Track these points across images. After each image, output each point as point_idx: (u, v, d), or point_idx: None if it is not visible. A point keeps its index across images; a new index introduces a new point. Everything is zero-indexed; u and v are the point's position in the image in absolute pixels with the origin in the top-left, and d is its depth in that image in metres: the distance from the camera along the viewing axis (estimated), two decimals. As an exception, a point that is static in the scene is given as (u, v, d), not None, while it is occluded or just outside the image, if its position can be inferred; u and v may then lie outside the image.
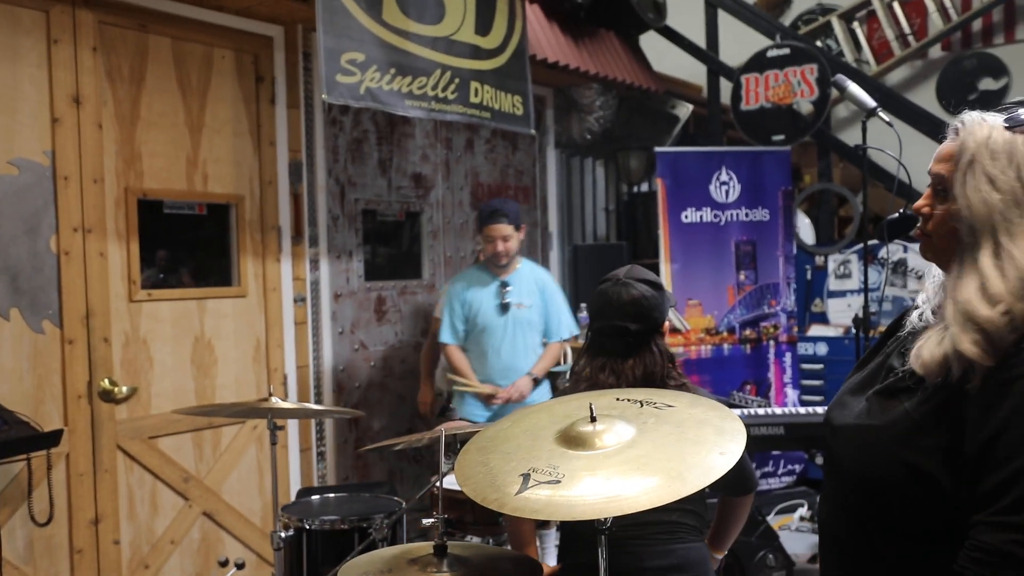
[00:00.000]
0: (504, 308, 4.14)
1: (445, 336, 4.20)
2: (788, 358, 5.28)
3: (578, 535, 2.15)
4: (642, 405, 1.86)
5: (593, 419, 1.75)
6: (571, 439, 1.75)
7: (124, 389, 3.60)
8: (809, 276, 5.78)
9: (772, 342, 5.21)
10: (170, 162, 3.84)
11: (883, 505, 1.36)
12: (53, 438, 3.17)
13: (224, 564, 3.85)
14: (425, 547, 1.78)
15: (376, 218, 4.94)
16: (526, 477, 1.68)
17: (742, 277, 5.18)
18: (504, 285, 4.17)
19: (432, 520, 1.77)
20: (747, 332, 5.14)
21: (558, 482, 1.63)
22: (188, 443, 3.89)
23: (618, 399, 1.91)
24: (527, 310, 4.19)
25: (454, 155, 5.36)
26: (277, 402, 2.68)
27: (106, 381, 3.56)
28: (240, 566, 3.87)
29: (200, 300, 3.96)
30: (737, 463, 1.59)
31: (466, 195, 5.44)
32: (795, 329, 5.37)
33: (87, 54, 3.52)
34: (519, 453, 1.77)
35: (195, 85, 3.93)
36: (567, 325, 4.33)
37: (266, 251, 4.21)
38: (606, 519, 1.87)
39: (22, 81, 3.35)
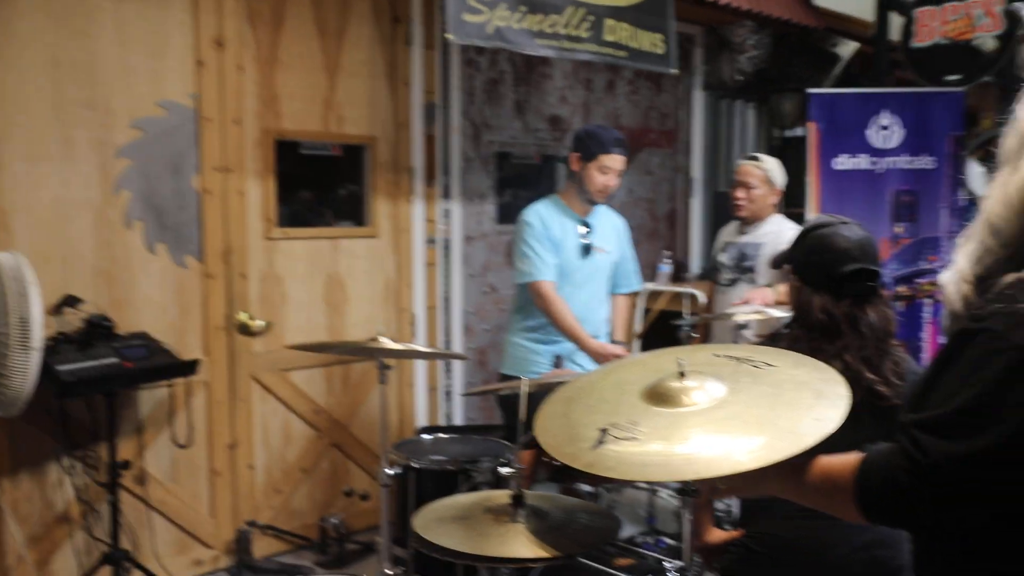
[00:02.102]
0: (586, 250, 3.58)
1: (535, 273, 3.46)
2: (948, 319, 4.85)
3: (766, 504, 2.05)
4: (739, 362, 1.72)
5: (682, 375, 1.64)
6: (657, 395, 1.65)
7: (259, 323, 3.76)
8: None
9: (929, 300, 4.80)
10: (307, 104, 3.92)
11: None
12: (190, 366, 3.36)
13: (349, 494, 4.02)
14: (503, 496, 1.74)
15: (511, 161, 4.89)
16: (603, 432, 1.59)
17: (899, 230, 4.78)
18: (585, 225, 3.61)
19: (511, 470, 1.73)
20: (901, 289, 4.76)
21: (635, 439, 1.54)
22: (319, 377, 4.04)
23: (715, 355, 1.78)
24: (605, 256, 3.66)
25: (594, 96, 5.21)
26: (385, 342, 2.71)
27: (243, 315, 3.73)
28: (364, 497, 4.02)
29: (333, 239, 4.07)
30: None
31: (604, 139, 5.28)
32: (958, 288, 4.91)
33: (228, -3, 3.63)
34: (602, 407, 1.69)
35: (332, 27, 3.98)
36: (638, 277, 3.91)
37: (399, 192, 4.26)
38: (694, 482, 1.77)
39: (169, 26, 3.49)
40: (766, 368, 1.72)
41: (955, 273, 1.13)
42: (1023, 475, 1.01)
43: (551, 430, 1.69)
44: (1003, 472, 1.02)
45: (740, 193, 3.84)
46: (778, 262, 2.34)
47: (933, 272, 4.78)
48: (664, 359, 1.83)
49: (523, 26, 3.79)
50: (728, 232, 4.05)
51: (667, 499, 4.11)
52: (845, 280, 1.99)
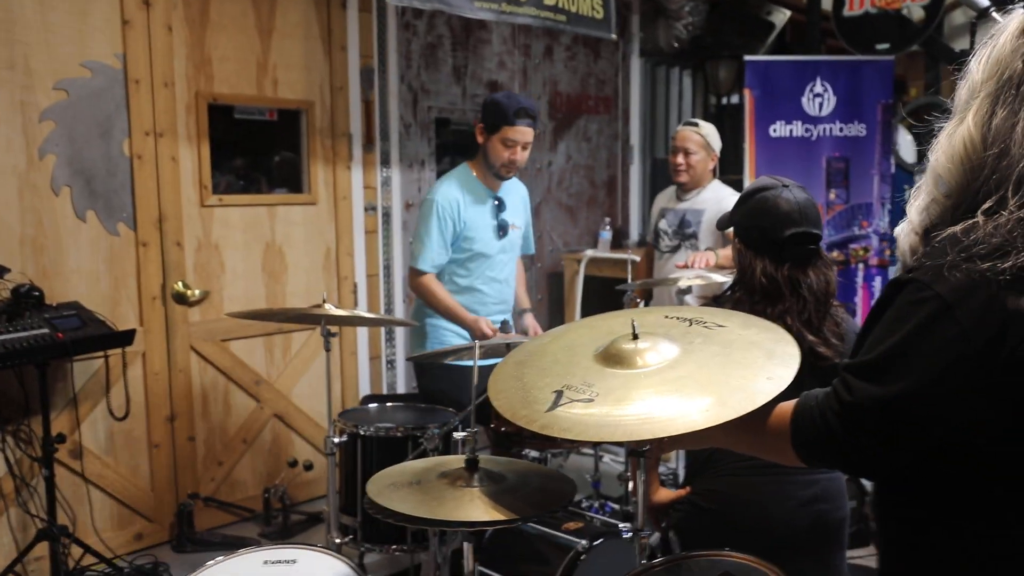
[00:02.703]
0: (502, 231, 3.33)
1: (426, 263, 3.21)
2: (878, 282, 5.01)
3: (713, 461, 2.08)
4: (691, 324, 1.75)
5: (635, 336, 1.66)
6: (611, 357, 1.66)
7: (197, 292, 3.68)
8: (908, 196, 5.41)
9: (861, 265, 4.94)
10: (240, 66, 3.81)
11: None
12: (126, 337, 3.26)
13: (293, 465, 3.98)
14: (457, 460, 1.74)
15: (450, 127, 4.84)
16: (559, 394, 1.60)
17: (832, 196, 4.90)
18: (498, 202, 3.35)
19: (465, 434, 1.73)
20: (834, 254, 4.88)
21: (591, 400, 1.55)
22: (259, 347, 3.97)
23: (666, 316, 1.80)
24: (517, 232, 3.43)
25: (532, 62, 5.18)
26: (330, 308, 2.67)
27: (179, 284, 3.64)
28: (308, 467, 3.99)
29: (270, 207, 3.98)
30: None
31: (544, 105, 5.27)
32: (887, 252, 5.07)
33: (155, -46, 3.49)
34: (555, 369, 1.69)
35: (265, -13, 3.86)
36: (533, 242, 3.66)
37: (337, 158, 4.19)
38: (645, 441, 1.79)
39: (92, -18, 3.34)
40: (717, 329, 1.75)
41: (906, 225, 1.16)
42: (944, 421, 1.05)
43: (504, 393, 1.69)
44: (924, 418, 1.06)
45: (679, 159, 3.84)
46: (723, 224, 2.36)
47: (866, 238, 4.92)
48: (615, 321, 1.85)
49: (463, -11, 3.73)
50: (665, 198, 4.06)
51: (611, 464, 4.19)
52: (786, 244, 2.01)
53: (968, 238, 1.04)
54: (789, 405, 1.27)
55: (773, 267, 2.04)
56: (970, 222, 1.06)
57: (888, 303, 1.12)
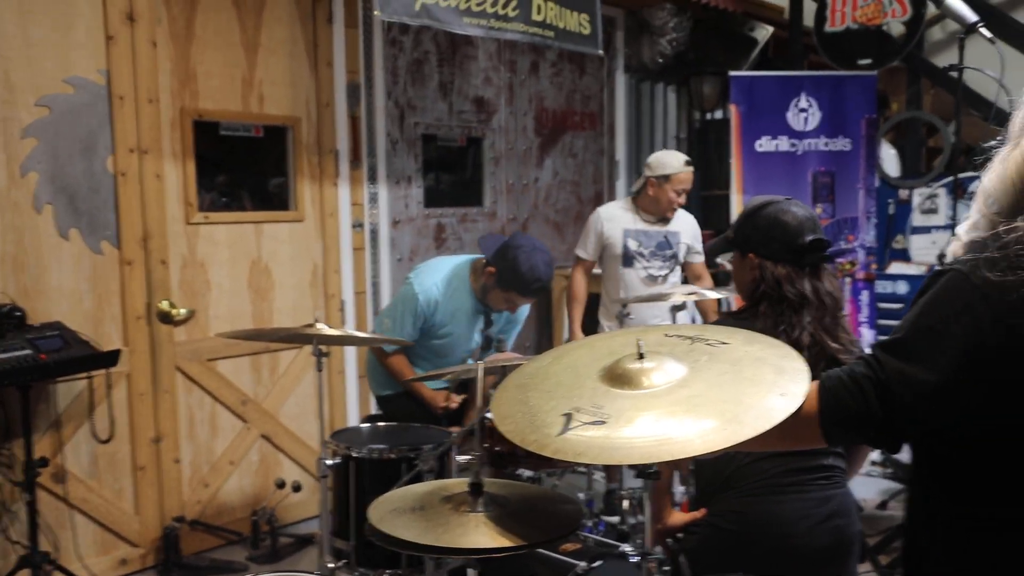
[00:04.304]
0: (486, 345, 3.39)
1: (392, 347, 3.31)
2: (865, 296, 5.03)
3: (733, 482, 2.06)
4: (692, 341, 1.72)
5: (641, 356, 1.63)
6: (617, 377, 1.63)
7: (182, 311, 3.62)
8: (892, 211, 5.46)
9: (848, 279, 4.96)
10: (225, 82, 3.77)
11: None
12: (111, 358, 3.20)
13: (281, 486, 3.90)
14: (461, 484, 1.70)
15: (436, 143, 4.82)
16: (568, 417, 1.57)
17: (818, 210, 4.91)
18: (489, 318, 3.40)
19: (469, 457, 1.69)
20: (821, 268, 4.90)
21: (603, 423, 1.52)
22: (246, 366, 3.91)
23: (667, 335, 1.77)
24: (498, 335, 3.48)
25: (518, 78, 5.17)
26: (323, 328, 2.62)
27: (164, 303, 3.58)
28: (297, 488, 3.92)
29: (257, 224, 3.93)
30: None
31: (530, 121, 5.26)
32: (874, 266, 5.10)
33: (140, -31, 3.44)
34: (560, 391, 1.66)
35: (250, 2, 3.82)
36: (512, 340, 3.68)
37: (323, 175, 4.14)
38: (653, 464, 1.77)
39: (76, -3, 3.29)
40: (720, 346, 1.72)
41: (955, 241, 1.24)
42: (970, 406, 1.09)
43: (511, 418, 1.65)
44: (951, 400, 1.10)
45: (681, 200, 3.90)
46: (718, 251, 2.35)
47: (852, 251, 4.94)
48: (614, 341, 1.82)
49: (450, 4, 3.71)
50: (627, 219, 3.94)
51: (602, 482, 4.15)
52: (806, 251, 2.04)
53: (1008, 236, 1.10)
54: (812, 387, 1.33)
55: (796, 275, 2.07)
56: (1012, 224, 1.12)
57: (928, 288, 1.18)
